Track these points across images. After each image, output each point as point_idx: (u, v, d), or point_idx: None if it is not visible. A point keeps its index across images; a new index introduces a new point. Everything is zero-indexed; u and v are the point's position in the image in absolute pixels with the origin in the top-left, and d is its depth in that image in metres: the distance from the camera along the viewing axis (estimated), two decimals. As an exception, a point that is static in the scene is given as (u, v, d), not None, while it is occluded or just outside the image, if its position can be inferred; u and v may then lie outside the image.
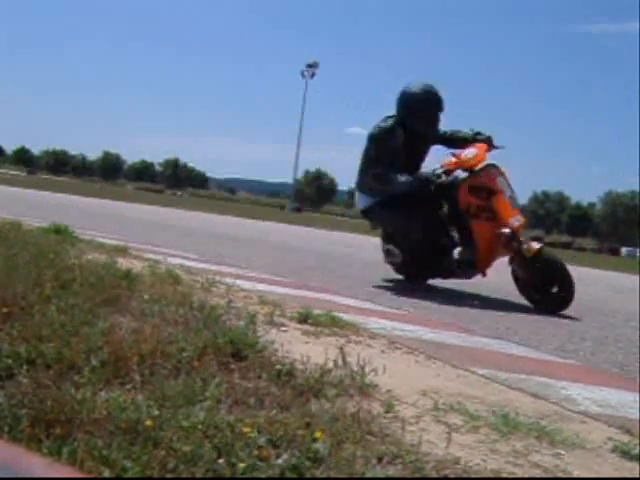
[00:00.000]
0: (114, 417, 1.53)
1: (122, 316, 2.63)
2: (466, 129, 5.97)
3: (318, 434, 1.57)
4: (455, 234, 5.58)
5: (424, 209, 5.50)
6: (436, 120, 5.70)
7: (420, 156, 5.87)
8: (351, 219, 54.44)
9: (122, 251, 5.19)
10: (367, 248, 10.48)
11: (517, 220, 5.17)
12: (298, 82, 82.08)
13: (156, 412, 1.58)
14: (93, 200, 22.72)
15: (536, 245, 5.07)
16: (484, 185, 5.27)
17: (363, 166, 5.74)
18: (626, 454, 1.85)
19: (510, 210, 5.20)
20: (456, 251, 5.53)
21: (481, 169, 5.32)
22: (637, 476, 1.73)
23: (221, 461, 1.39)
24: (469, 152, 5.44)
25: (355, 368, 2.26)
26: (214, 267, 5.35)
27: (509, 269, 5.41)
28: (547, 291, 5.12)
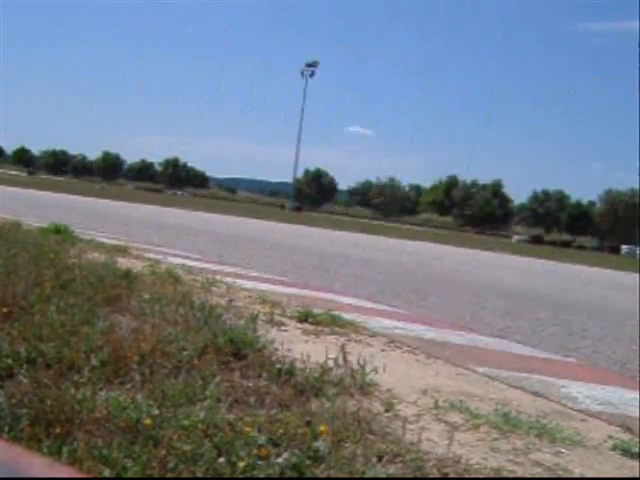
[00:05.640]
0: (114, 416, 1.52)
1: (122, 315, 2.63)
2: None
3: (322, 428, 1.57)
4: None
5: None
6: None
7: None
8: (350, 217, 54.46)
9: (122, 251, 5.18)
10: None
11: None
12: (298, 81, 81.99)
13: (156, 411, 1.58)
14: (94, 200, 22.70)
15: None
16: None
17: None
18: (626, 452, 1.85)
19: None
20: None
21: None
22: (637, 475, 1.73)
23: (221, 460, 1.39)
24: None
25: (355, 367, 2.26)
26: (217, 267, 5.35)
27: None
28: None
